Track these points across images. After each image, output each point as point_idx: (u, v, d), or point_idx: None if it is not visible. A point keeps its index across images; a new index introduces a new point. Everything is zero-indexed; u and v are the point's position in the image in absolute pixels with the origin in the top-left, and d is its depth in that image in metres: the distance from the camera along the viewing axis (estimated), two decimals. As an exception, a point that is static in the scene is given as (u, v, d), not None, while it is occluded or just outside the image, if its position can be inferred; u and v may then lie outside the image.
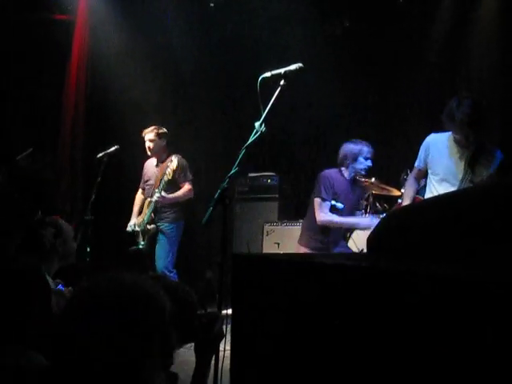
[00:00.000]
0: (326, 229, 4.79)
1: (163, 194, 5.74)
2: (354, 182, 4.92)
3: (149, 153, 6.00)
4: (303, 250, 4.86)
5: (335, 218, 4.74)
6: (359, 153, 4.76)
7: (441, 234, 1.29)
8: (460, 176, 3.88)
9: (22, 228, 2.74)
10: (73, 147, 7.00)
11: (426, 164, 4.12)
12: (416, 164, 4.23)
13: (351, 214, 5.01)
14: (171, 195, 5.82)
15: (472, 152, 3.87)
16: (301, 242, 5.00)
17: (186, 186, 5.90)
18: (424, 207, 1.55)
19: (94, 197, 5.66)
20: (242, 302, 1.30)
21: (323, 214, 4.69)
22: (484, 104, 3.81)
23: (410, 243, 1.31)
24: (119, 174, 6.93)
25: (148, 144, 5.94)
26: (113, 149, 5.84)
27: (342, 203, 4.80)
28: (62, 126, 7.03)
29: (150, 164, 6.12)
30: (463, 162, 3.90)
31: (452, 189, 3.88)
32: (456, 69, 6.72)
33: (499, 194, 1.24)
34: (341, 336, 1.03)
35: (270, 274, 1.20)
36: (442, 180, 3.99)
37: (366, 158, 4.78)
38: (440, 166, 4.01)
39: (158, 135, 5.93)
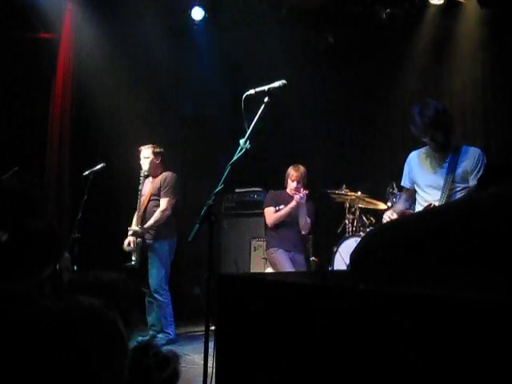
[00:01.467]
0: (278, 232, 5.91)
1: (136, 228, 5.86)
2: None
3: (143, 168, 6.02)
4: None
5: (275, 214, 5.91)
6: (287, 175, 5.93)
7: (422, 251, 1.31)
8: (442, 182, 3.94)
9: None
10: (59, 165, 6.97)
11: (411, 181, 4.19)
12: (402, 183, 4.31)
13: (296, 224, 5.88)
14: (145, 225, 5.87)
15: (448, 155, 3.96)
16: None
17: (162, 205, 5.90)
18: (407, 223, 1.56)
19: (80, 215, 5.64)
20: (228, 323, 1.30)
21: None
22: (442, 106, 3.94)
23: (392, 260, 1.32)
24: (106, 191, 6.91)
25: (143, 161, 5.99)
26: (99, 166, 5.85)
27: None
28: (47, 143, 7.01)
29: (147, 180, 6.12)
30: (442, 168, 3.98)
31: (436, 195, 3.94)
32: (439, 83, 6.79)
33: (482, 209, 1.26)
34: (325, 357, 1.03)
35: (255, 295, 1.21)
36: (427, 187, 4.05)
37: (292, 181, 5.84)
38: (421, 176, 4.10)
39: (154, 154, 5.99)
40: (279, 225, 5.93)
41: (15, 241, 2.09)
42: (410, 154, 4.25)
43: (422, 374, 0.89)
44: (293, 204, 5.72)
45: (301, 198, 5.60)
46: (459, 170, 3.89)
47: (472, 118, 6.45)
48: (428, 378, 0.85)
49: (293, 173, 5.89)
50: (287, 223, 5.90)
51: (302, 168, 5.90)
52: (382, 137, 7.04)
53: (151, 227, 5.86)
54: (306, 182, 5.89)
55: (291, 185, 5.89)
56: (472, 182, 3.86)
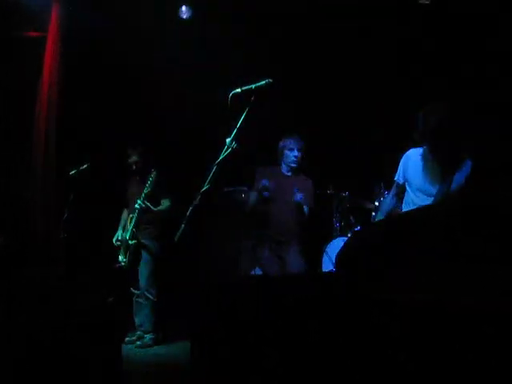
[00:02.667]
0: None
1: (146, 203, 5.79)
2: (294, 174, 5.43)
3: (134, 167, 6.01)
4: None
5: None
6: (283, 147, 5.37)
7: (404, 252, 1.29)
8: (435, 187, 3.90)
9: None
10: (45, 165, 6.91)
11: (404, 178, 4.13)
12: (395, 178, 4.23)
13: (287, 202, 5.25)
14: (154, 208, 5.83)
15: (446, 163, 3.87)
16: None
17: (167, 203, 5.92)
18: (390, 225, 1.55)
19: (66, 215, 5.61)
20: (210, 328, 1.28)
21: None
22: (448, 114, 3.71)
23: (376, 261, 1.31)
24: (92, 191, 6.86)
25: (132, 161, 5.97)
26: (85, 166, 5.82)
27: (274, 194, 5.27)
28: (33, 143, 6.95)
29: (133, 180, 6.11)
30: (438, 173, 3.91)
31: (427, 199, 3.90)
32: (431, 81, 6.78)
33: (463, 211, 1.25)
34: (308, 361, 1.01)
35: (239, 300, 1.19)
36: (418, 190, 4.00)
37: (291, 149, 5.29)
38: (416, 177, 4.02)
39: (142, 153, 5.99)
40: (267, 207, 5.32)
41: None
42: (409, 152, 4.10)
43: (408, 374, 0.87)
44: (252, 196, 5.35)
45: (300, 197, 5.13)
46: (455, 185, 3.80)
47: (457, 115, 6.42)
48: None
49: (290, 140, 5.36)
50: (276, 202, 5.30)
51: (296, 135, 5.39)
52: (369, 136, 7.02)
53: (156, 212, 5.87)
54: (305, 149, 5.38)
55: (290, 156, 5.35)
56: (458, 180, 3.83)
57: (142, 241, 5.89)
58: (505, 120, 5.44)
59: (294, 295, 1.08)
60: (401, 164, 4.15)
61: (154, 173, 5.76)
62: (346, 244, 1.53)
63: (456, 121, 3.69)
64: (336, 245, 5.77)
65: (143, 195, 5.76)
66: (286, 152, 5.37)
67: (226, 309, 1.20)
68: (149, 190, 5.74)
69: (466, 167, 3.81)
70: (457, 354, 0.80)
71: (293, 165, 5.34)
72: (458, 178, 3.80)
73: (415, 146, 4.06)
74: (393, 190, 4.33)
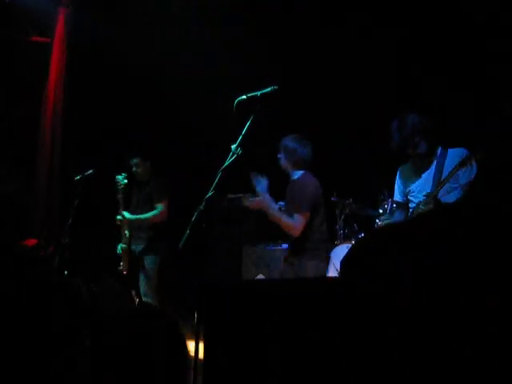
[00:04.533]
0: None
1: (126, 214, 5.81)
2: None
3: (136, 177, 6.04)
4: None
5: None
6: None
7: (409, 259, 1.31)
8: (429, 187, 3.97)
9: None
10: (50, 170, 6.94)
11: (403, 194, 4.22)
12: (395, 198, 4.33)
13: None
14: (135, 216, 5.84)
15: (433, 161, 3.98)
16: None
17: (159, 208, 5.90)
18: (396, 231, 1.56)
19: (71, 220, 5.63)
20: (213, 332, 1.29)
21: None
22: (418, 117, 3.97)
23: (381, 267, 1.32)
24: (97, 196, 6.88)
25: (134, 168, 5.99)
26: (90, 171, 5.84)
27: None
28: (39, 148, 6.98)
29: (135, 187, 6.13)
30: (429, 173, 4.01)
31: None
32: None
33: (467, 219, 1.26)
34: (310, 365, 1.03)
35: (240, 303, 1.20)
36: (418, 193, 4.08)
37: None
38: (412, 185, 4.13)
39: (144, 159, 5.99)
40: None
41: None
42: (399, 169, 4.32)
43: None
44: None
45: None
46: (445, 173, 3.89)
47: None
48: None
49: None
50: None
51: None
52: (373, 142, 7.02)
53: (146, 220, 5.86)
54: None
55: None
56: (462, 180, 3.86)
57: (139, 248, 5.89)
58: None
59: (297, 299, 1.10)
60: (396, 184, 4.28)
61: (153, 181, 5.85)
62: (351, 250, 1.55)
63: (424, 120, 3.98)
64: (340, 251, 5.76)
65: (120, 206, 5.83)
66: None
67: (228, 312, 1.21)
68: (120, 196, 5.81)
69: (472, 166, 3.87)
70: (458, 358, 0.81)
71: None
72: (464, 176, 3.85)
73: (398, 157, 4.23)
74: (397, 211, 4.36)
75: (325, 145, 7.25)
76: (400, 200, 4.25)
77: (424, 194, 3.98)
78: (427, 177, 4.02)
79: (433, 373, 0.88)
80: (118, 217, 5.80)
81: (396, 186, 4.31)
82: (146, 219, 5.86)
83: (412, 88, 6.72)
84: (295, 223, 4.40)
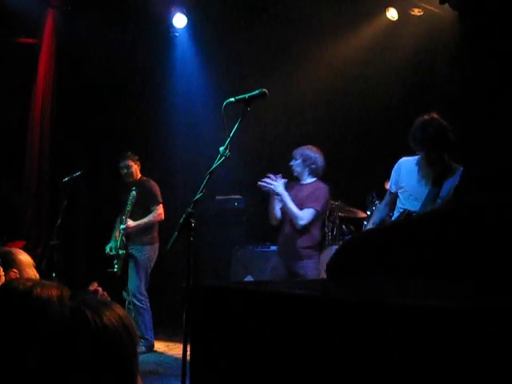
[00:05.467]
0: None
1: (129, 222, 5.84)
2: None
3: (125, 179, 6.04)
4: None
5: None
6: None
7: (394, 260, 1.32)
8: (424, 195, 3.97)
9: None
10: (39, 171, 6.91)
11: (397, 185, 4.20)
12: (388, 187, 4.32)
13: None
14: (137, 222, 5.86)
15: (438, 171, 3.98)
16: None
17: (156, 210, 5.94)
18: (380, 234, 1.57)
19: (59, 221, 5.60)
20: (201, 333, 1.30)
21: None
22: (445, 125, 3.90)
23: (366, 269, 1.33)
24: (86, 198, 6.87)
25: (123, 170, 6.00)
26: (78, 173, 5.82)
27: None
28: (27, 149, 6.95)
29: (126, 188, 6.12)
30: (429, 181, 4.00)
31: (416, 203, 3.98)
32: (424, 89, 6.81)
33: (452, 219, 1.28)
34: (299, 367, 1.04)
35: (229, 304, 1.21)
36: (410, 196, 4.08)
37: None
38: (408, 184, 4.12)
39: (133, 161, 6.04)
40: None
41: None
42: (400, 160, 4.23)
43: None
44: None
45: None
46: (445, 188, 3.90)
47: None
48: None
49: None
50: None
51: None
52: (362, 145, 7.05)
53: (140, 225, 5.89)
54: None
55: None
56: (444, 193, 3.89)
57: (131, 247, 5.91)
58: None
59: (284, 301, 1.11)
60: (393, 173, 4.24)
61: (133, 192, 5.81)
62: (336, 252, 1.56)
63: (451, 132, 3.88)
64: (328, 254, 5.79)
65: (124, 216, 5.82)
66: None
67: (217, 312, 1.22)
68: (129, 209, 5.79)
69: (457, 175, 3.90)
70: (455, 361, 0.82)
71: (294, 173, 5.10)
72: (448, 186, 3.89)
73: (408, 154, 4.18)
74: (386, 199, 4.42)
75: (314, 145, 7.29)
76: (393, 191, 4.24)
77: (413, 195, 4.00)
78: (425, 186, 3.98)
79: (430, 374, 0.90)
80: (122, 226, 5.82)
81: (393, 176, 4.24)
82: (147, 222, 5.90)
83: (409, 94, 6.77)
84: (304, 214, 4.78)
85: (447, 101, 6.21)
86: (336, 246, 5.82)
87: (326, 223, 6.24)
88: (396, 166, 4.24)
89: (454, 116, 6.38)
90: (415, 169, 4.10)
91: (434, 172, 3.99)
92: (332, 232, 6.25)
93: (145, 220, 5.93)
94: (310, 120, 7.07)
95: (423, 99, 6.55)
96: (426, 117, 3.94)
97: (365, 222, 5.87)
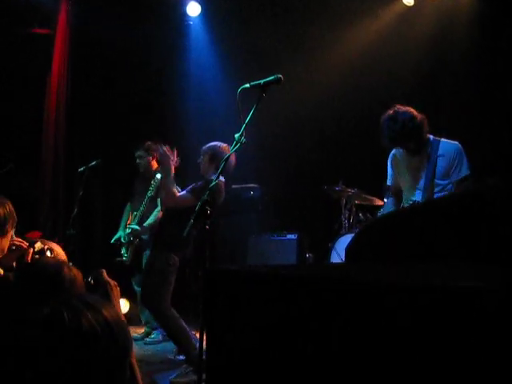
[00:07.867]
0: None
1: (134, 226, 5.77)
2: None
3: (140, 169, 5.97)
4: None
5: None
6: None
7: (412, 244, 1.29)
8: (423, 183, 3.93)
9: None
10: (54, 161, 6.94)
11: (395, 179, 4.17)
12: (388, 183, 4.28)
13: None
14: (146, 223, 5.80)
15: (425, 156, 3.93)
16: None
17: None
18: (399, 218, 1.54)
19: (76, 211, 5.62)
20: (216, 319, 1.27)
21: None
22: (410, 115, 3.84)
23: (384, 253, 1.30)
24: (101, 187, 6.89)
25: (138, 160, 5.94)
26: (94, 163, 5.81)
27: None
28: (43, 140, 6.98)
29: (139, 178, 6.08)
30: (422, 169, 3.96)
31: (419, 196, 3.93)
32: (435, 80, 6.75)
33: (466, 204, 1.24)
34: (317, 350, 1.01)
35: (245, 289, 1.18)
36: (410, 187, 4.05)
37: None
38: (403, 177, 4.10)
39: (147, 151, 5.92)
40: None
41: None
42: (391, 154, 4.19)
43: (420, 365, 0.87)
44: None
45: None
46: (439, 168, 3.86)
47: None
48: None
49: None
50: None
51: None
52: (379, 132, 6.98)
53: (151, 227, 5.78)
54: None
55: None
56: (453, 177, 3.84)
57: (145, 238, 5.83)
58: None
59: (303, 286, 1.08)
60: (388, 166, 4.21)
61: (157, 178, 5.69)
62: (355, 236, 1.53)
63: (415, 118, 3.83)
64: (344, 241, 5.76)
65: (144, 204, 5.74)
66: None
67: (235, 297, 1.20)
68: (151, 194, 5.71)
69: (455, 153, 3.84)
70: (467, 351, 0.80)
71: None
72: (441, 162, 3.85)
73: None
74: (388, 195, 4.38)
75: (331, 135, 7.25)
76: (391, 183, 4.21)
77: (414, 189, 3.96)
78: (420, 174, 3.95)
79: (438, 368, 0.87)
80: (135, 226, 5.78)
81: (389, 171, 4.23)
82: (152, 224, 5.82)
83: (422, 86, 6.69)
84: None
85: (460, 90, 6.16)
86: (352, 234, 5.78)
87: (343, 211, 6.20)
88: (389, 159, 4.22)
89: (466, 105, 6.37)
90: (403, 159, 4.08)
91: (421, 157, 3.96)
92: (348, 220, 6.21)
93: (151, 221, 5.79)
94: (325, 107, 7.02)
95: (436, 87, 6.50)
96: (390, 112, 3.91)
97: (381, 210, 5.82)
